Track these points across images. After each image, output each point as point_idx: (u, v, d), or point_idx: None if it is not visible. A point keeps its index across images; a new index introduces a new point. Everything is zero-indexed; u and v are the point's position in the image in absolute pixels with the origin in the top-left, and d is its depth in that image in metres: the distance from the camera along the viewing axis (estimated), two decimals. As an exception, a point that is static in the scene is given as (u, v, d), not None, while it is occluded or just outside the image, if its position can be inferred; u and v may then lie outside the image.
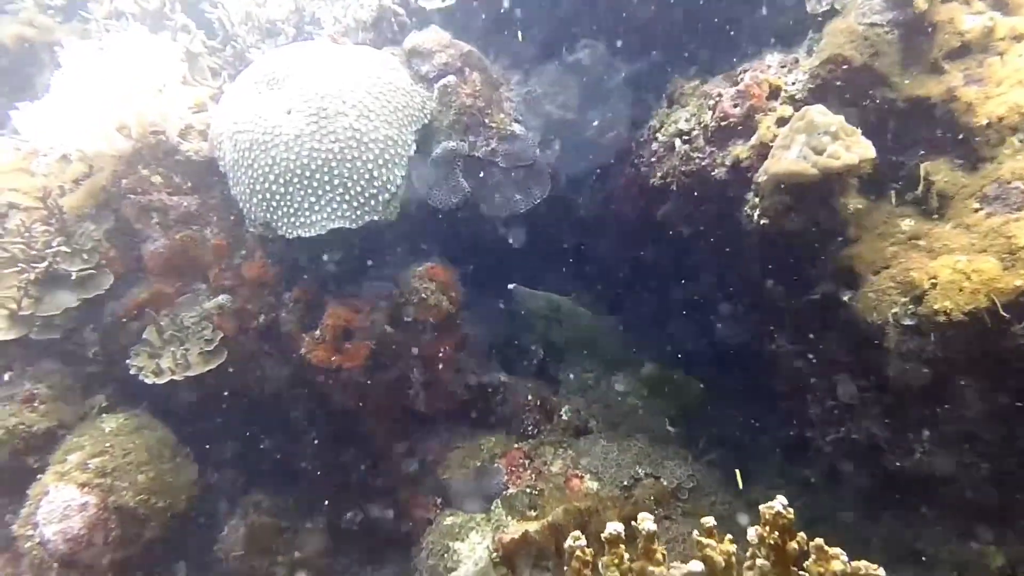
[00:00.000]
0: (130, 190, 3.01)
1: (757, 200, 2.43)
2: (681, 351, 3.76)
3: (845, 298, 2.44)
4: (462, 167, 3.08)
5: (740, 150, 2.48)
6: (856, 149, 2.17)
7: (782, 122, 2.39)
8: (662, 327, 3.80)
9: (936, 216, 2.27)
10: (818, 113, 2.22)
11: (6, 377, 3.06)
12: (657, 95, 3.21)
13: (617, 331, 3.55)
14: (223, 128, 2.88)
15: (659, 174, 2.77)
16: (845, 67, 2.41)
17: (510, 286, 3.26)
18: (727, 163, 2.51)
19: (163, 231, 3.05)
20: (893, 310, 2.22)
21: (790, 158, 2.22)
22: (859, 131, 2.22)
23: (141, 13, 3.25)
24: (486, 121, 3.06)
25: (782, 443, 3.42)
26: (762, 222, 2.40)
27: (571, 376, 3.64)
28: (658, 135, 2.81)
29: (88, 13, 3.30)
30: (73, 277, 2.94)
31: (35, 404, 2.94)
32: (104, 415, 3.06)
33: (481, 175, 3.10)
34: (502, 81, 3.23)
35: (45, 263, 2.88)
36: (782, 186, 2.29)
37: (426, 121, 3.02)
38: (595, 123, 3.28)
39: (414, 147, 2.94)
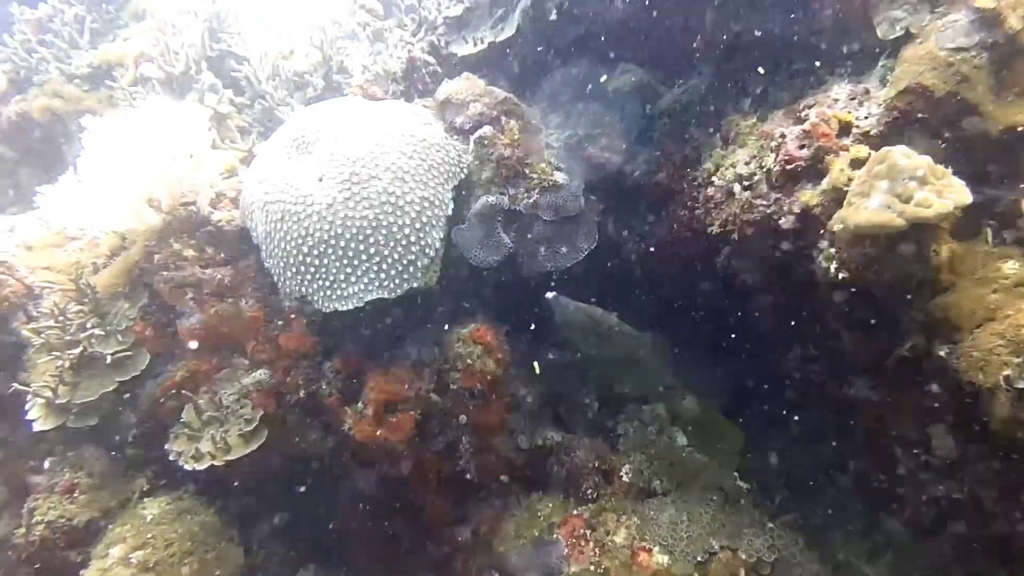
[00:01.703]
0: (162, 266, 2.91)
1: (833, 251, 2.19)
2: (740, 388, 3.55)
3: (941, 353, 2.18)
4: (503, 222, 2.90)
5: (809, 196, 2.24)
6: (949, 194, 1.92)
7: (857, 164, 2.15)
8: (719, 363, 3.58)
9: (1044, 259, 2.00)
10: (901, 155, 1.98)
11: (46, 464, 2.98)
12: (705, 127, 2.99)
13: (662, 352, 3.27)
14: (254, 197, 2.76)
15: (718, 222, 2.55)
16: (926, 97, 2.16)
17: (548, 295, 2.94)
18: (795, 210, 2.28)
19: (198, 306, 2.94)
20: (1005, 372, 1.96)
21: (872, 208, 1.98)
22: (950, 172, 1.97)
23: (166, 78, 3.17)
24: (526, 172, 2.88)
25: (864, 490, 3.17)
26: (840, 275, 2.15)
27: (630, 430, 3.41)
28: (714, 179, 2.59)
29: (113, 82, 3.24)
30: (108, 361, 2.84)
31: (75, 495, 2.85)
32: (146, 500, 2.96)
33: (523, 229, 2.92)
34: (541, 126, 3.05)
35: (79, 348, 2.79)
36: (863, 237, 2.04)
37: (463, 176, 2.86)
38: (642, 164, 3.06)
39: (452, 205, 2.78)
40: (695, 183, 2.78)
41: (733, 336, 3.34)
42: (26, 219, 3.23)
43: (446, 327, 3.02)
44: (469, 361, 2.90)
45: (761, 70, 2.81)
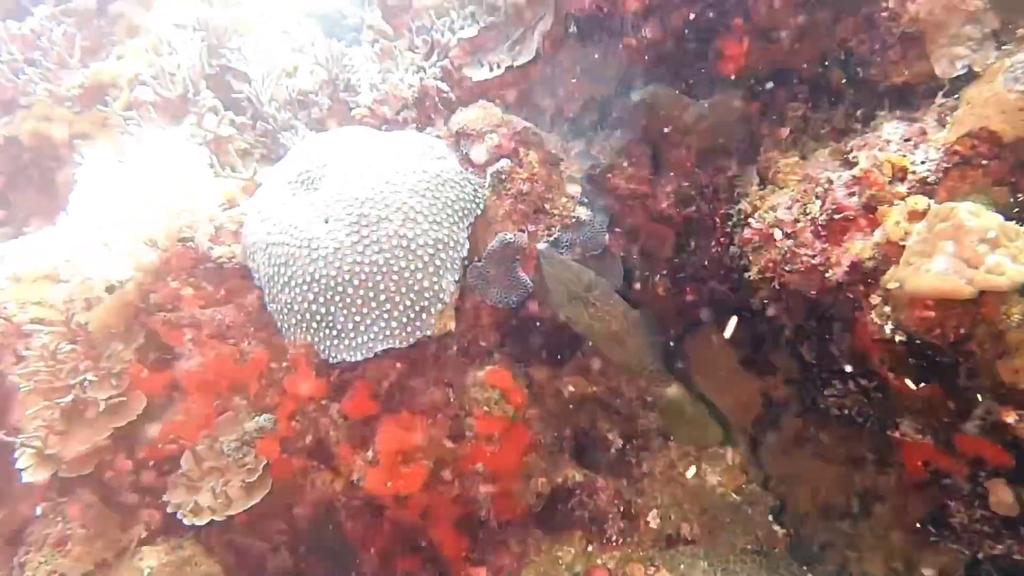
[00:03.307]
0: (160, 306, 2.74)
1: (888, 310, 2.01)
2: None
3: (1009, 420, 2.00)
4: (522, 261, 2.72)
5: (861, 248, 2.06)
6: (1026, 259, 1.73)
7: (915, 216, 1.96)
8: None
9: None
10: (968, 214, 1.79)
11: (38, 511, 2.83)
12: (738, 156, 2.81)
13: (652, 333, 2.92)
14: (256, 236, 2.58)
15: (756, 267, 2.36)
16: (992, 142, 1.96)
17: (540, 245, 2.64)
18: (844, 263, 2.09)
19: (197, 348, 2.77)
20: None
21: (936, 271, 1.79)
22: (1025, 232, 1.78)
23: (163, 102, 2.97)
24: (546, 207, 2.70)
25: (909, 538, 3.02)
26: (897, 338, 1.97)
27: (656, 469, 3.25)
28: (751, 220, 2.40)
29: (106, 104, 3.05)
30: (102, 408, 2.68)
31: (68, 546, 2.70)
32: (144, 548, 2.81)
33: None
34: (562, 156, 2.85)
35: (71, 396, 2.63)
36: (925, 301, 1.86)
37: (479, 212, 2.67)
38: (670, 196, 2.87)
39: (467, 245, 2.60)
40: (729, 220, 2.59)
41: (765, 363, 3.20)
42: (16, 247, 3.05)
43: (462, 369, 2.86)
44: (486, 408, 2.74)
45: (799, 98, 2.63)
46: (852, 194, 2.07)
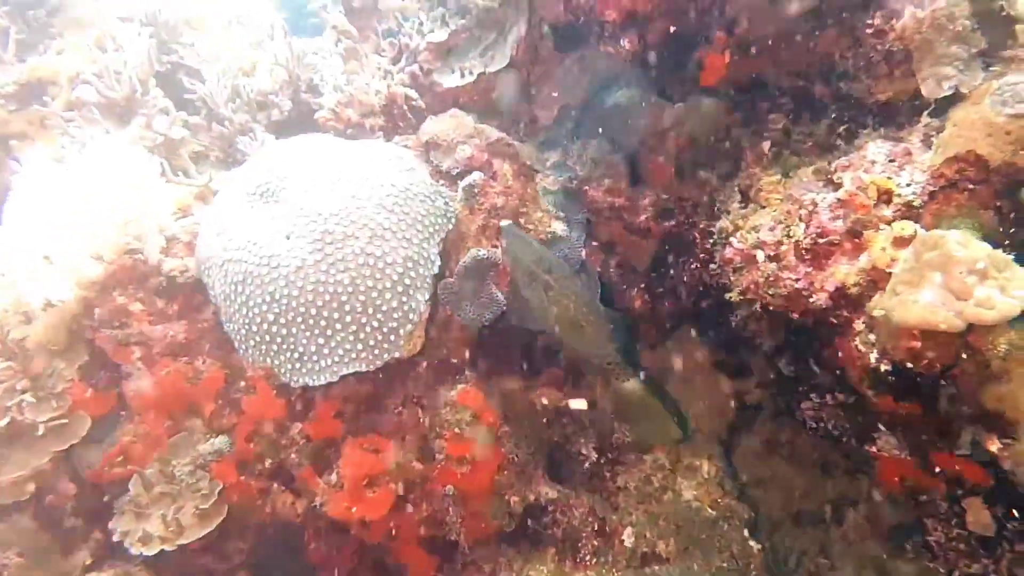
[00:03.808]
0: (105, 322, 2.55)
1: (873, 338, 1.96)
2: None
3: (993, 449, 1.98)
4: (495, 277, 2.61)
5: (845, 274, 2.00)
6: (1016, 291, 1.69)
7: (901, 242, 1.91)
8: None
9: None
10: (956, 244, 1.74)
11: (-29, 541, 2.63)
12: (718, 169, 2.74)
13: (613, 325, 2.68)
14: (212, 252, 2.41)
15: (737, 288, 2.29)
16: (979, 166, 1.92)
17: (503, 222, 2.47)
18: (828, 288, 2.04)
19: (147, 366, 2.60)
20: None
21: (924, 303, 1.74)
22: (1014, 264, 1.74)
23: (108, 103, 2.76)
24: (521, 222, 2.58)
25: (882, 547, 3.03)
26: (883, 367, 1.92)
27: (631, 484, 3.19)
28: (732, 239, 2.33)
29: (45, 103, 2.82)
30: (41, 431, 2.48)
31: (4, 576, 2.51)
32: None
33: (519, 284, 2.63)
34: (537, 167, 2.74)
35: (6, 419, 2.43)
36: (912, 331, 1.81)
37: (451, 227, 2.55)
38: (648, 209, 2.79)
39: (438, 261, 2.48)
40: (709, 238, 2.52)
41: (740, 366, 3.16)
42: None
43: (432, 388, 2.74)
44: (457, 430, 2.63)
45: (782, 109, 2.57)
46: (837, 218, 2.02)
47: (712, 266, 2.56)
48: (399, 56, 2.76)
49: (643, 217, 2.83)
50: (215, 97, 2.95)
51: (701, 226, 2.66)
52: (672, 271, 2.81)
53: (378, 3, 2.81)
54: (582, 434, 3.24)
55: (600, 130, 3.13)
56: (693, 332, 3.24)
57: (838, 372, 2.46)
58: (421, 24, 2.86)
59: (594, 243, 2.86)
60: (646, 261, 2.96)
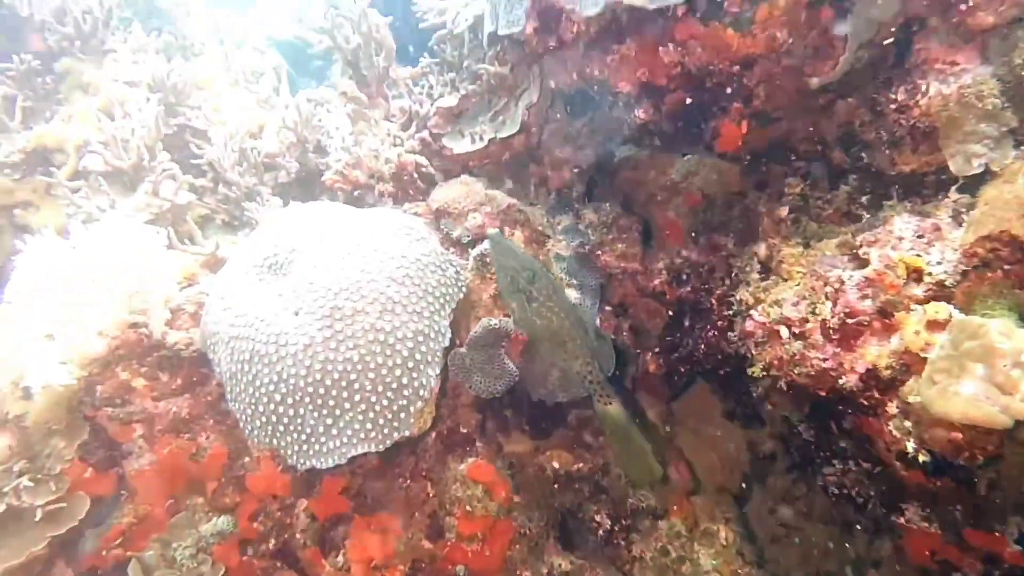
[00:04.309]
0: (107, 400, 2.47)
1: (909, 425, 1.87)
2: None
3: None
4: (508, 347, 2.53)
5: (876, 356, 1.92)
6: (1061, 383, 1.60)
7: (935, 326, 1.83)
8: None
9: None
10: (999, 335, 1.66)
11: (-36, 632, 2.51)
12: (734, 233, 2.69)
13: (599, 344, 2.52)
14: (218, 328, 2.34)
15: (760, 364, 2.21)
16: (1013, 246, 1.85)
17: (490, 230, 2.39)
18: (859, 369, 1.95)
19: (149, 444, 2.51)
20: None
21: (966, 396, 1.66)
22: (1058, 352, 1.66)
23: (114, 171, 2.72)
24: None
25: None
26: (921, 458, 1.83)
27: (647, 554, 3.06)
28: (753, 312, 2.25)
29: (50, 171, 2.78)
30: (39, 517, 2.39)
31: (-3, 674, 2.39)
32: (86, 668, 2.51)
33: (531, 354, 2.55)
34: (548, 232, 2.69)
35: (3, 506, 2.34)
36: (953, 423, 1.72)
37: (461, 296, 2.48)
38: (662, 272, 2.73)
39: (449, 333, 2.40)
40: (727, 307, 2.45)
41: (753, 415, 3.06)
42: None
43: (441, 460, 2.64)
44: (469, 508, 2.53)
45: (798, 174, 2.52)
46: (865, 297, 1.94)
47: (731, 334, 2.48)
48: (409, 122, 2.73)
49: (657, 281, 2.76)
50: (222, 161, 2.91)
51: (718, 292, 2.58)
52: (688, 337, 2.73)
53: (389, 72, 2.78)
54: (595, 500, 3.14)
55: (611, 190, 3.09)
56: (705, 384, 3.16)
57: (863, 442, 2.36)
58: (431, 88, 2.83)
59: (607, 307, 2.79)
60: (660, 325, 2.89)
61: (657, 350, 2.89)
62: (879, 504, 2.58)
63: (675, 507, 3.20)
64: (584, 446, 3.10)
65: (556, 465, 3.05)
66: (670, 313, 2.80)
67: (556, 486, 3.03)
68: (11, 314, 2.28)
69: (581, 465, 3.05)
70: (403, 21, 3.15)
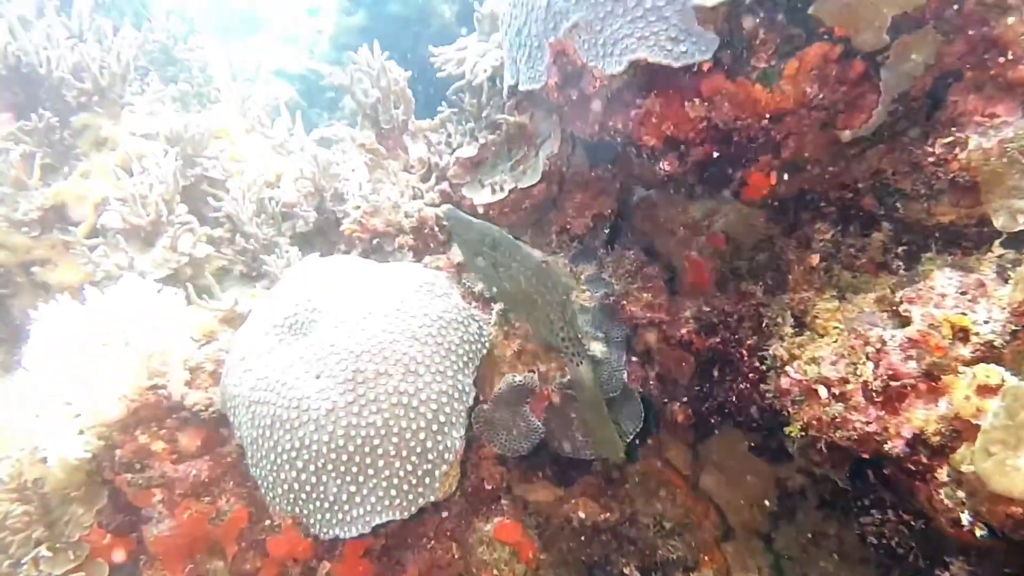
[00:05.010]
0: (126, 465, 2.42)
1: (962, 495, 1.78)
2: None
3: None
4: (533, 403, 2.47)
5: (924, 421, 1.84)
6: None
7: (986, 391, 1.75)
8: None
9: None
10: (1058, 401, 1.58)
11: None
12: (762, 280, 2.62)
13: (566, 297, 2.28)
14: (238, 391, 2.30)
15: (798, 423, 2.13)
16: (1063, 305, 1.77)
17: (443, 208, 2.32)
18: (905, 434, 1.87)
19: (168, 509, 2.46)
20: None
21: (1027, 469, 1.57)
22: (1121, 422, 1.57)
23: (132, 229, 2.70)
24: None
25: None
26: (978, 531, 1.74)
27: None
28: (788, 369, 2.18)
29: (68, 229, 2.77)
30: (58, 588, 2.34)
31: None
32: None
33: (557, 411, 2.49)
34: (572, 284, 2.63)
35: (22, 577, 2.29)
36: (1013, 498, 1.64)
37: (484, 353, 2.42)
38: (689, 321, 2.66)
39: (473, 392, 2.34)
40: (759, 360, 2.37)
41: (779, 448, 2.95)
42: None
43: (466, 520, 2.57)
44: (496, 572, 2.45)
45: (827, 220, 2.45)
46: (909, 358, 1.86)
47: (763, 387, 2.40)
48: (429, 173, 2.69)
49: (684, 330, 2.69)
50: (241, 214, 2.88)
51: (748, 343, 2.51)
52: (718, 388, 2.65)
53: (408, 124, 2.76)
54: (623, 551, 3.05)
55: (632, 234, 3.04)
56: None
57: (905, 494, 2.27)
58: (449, 137, 2.80)
59: (634, 359, 2.72)
60: (687, 373, 2.82)
61: (685, 399, 2.82)
62: (921, 556, 2.48)
63: (706, 557, 3.11)
64: (610, 495, 3.02)
65: (582, 515, 2.97)
66: (698, 363, 2.73)
67: (583, 538, 2.96)
68: (28, 381, 2.24)
69: (608, 515, 2.97)
70: (401, 58, 3.11)
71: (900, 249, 2.19)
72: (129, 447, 2.44)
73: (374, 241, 2.96)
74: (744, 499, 3.29)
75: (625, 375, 2.52)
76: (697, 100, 2.04)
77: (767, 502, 3.26)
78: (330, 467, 2.13)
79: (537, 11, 2.07)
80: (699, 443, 3.23)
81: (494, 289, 2.35)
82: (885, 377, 1.88)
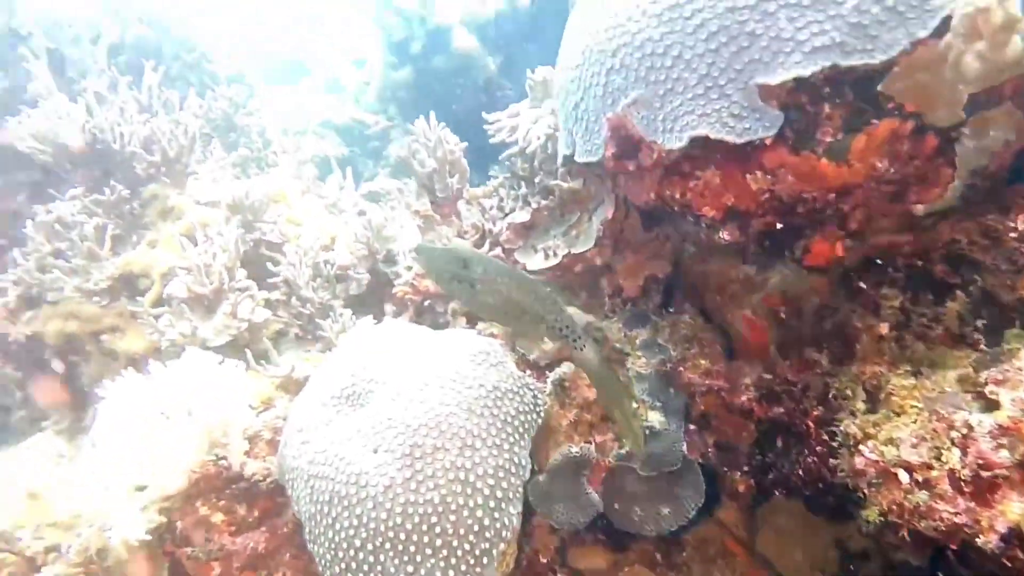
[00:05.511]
0: (187, 539, 2.45)
1: (1064, 596, 1.65)
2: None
3: None
4: (589, 476, 2.41)
5: (1021, 515, 1.72)
6: None
7: (1088, 482, 1.63)
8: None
9: None
10: None
11: None
12: (828, 349, 2.52)
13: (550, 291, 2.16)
14: (297, 463, 2.31)
15: (875, 508, 2.02)
16: None
17: (416, 245, 2.18)
18: (1000, 529, 1.75)
19: (226, 581, 2.47)
20: None
21: None
22: None
23: (197, 297, 2.78)
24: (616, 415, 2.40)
25: None
26: (1083, 638, 1.60)
27: None
28: (862, 448, 2.07)
29: (136, 300, 2.86)
30: (118, 664, 2.35)
31: None
32: None
33: (614, 484, 2.42)
34: (627, 349, 2.59)
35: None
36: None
37: (539, 422, 2.38)
38: (749, 388, 2.58)
39: (530, 465, 2.30)
40: (831, 436, 2.27)
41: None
42: (35, 453, 2.81)
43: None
44: (554, 655, 2.37)
45: (896, 286, 2.36)
46: (1000, 447, 1.75)
47: (833, 462, 2.29)
48: (483, 239, 2.71)
49: (744, 398, 2.61)
50: (298, 279, 2.94)
51: (814, 415, 2.41)
52: (782, 460, 2.55)
53: (463, 192, 2.79)
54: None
55: (686, 295, 2.98)
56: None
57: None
58: (502, 202, 2.81)
59: (691, 427, 2.64)
60: (747, 441, 2.72)
61: (746, 469, 2.72)
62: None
63: (769, 629, 2.96)
64: (667, 563, 2.91)
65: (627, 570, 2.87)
66: (759, 431, 2.64)
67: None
68: (96, 456, 2.30)
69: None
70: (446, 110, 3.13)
71: (980, 322, 2.09)
72: (190, 519, 2.47)
73: (425, 303, 2.98)
74: (803, 559, 3.13)
75: (684, 448, 2.44)
76: (759, 172, 2.00)
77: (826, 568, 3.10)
78: (388, 546, 2.11)
79: (595, 88, 2.08)
80: (756, 507, 3.10)
81: (476, 307, 2.26)
82: (975, 466, 1.77)
